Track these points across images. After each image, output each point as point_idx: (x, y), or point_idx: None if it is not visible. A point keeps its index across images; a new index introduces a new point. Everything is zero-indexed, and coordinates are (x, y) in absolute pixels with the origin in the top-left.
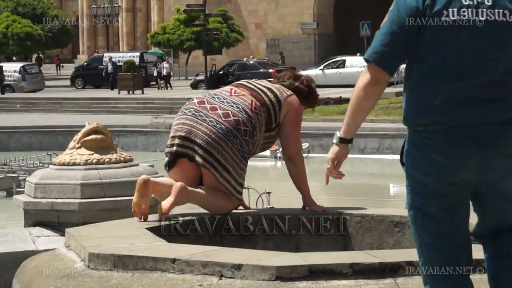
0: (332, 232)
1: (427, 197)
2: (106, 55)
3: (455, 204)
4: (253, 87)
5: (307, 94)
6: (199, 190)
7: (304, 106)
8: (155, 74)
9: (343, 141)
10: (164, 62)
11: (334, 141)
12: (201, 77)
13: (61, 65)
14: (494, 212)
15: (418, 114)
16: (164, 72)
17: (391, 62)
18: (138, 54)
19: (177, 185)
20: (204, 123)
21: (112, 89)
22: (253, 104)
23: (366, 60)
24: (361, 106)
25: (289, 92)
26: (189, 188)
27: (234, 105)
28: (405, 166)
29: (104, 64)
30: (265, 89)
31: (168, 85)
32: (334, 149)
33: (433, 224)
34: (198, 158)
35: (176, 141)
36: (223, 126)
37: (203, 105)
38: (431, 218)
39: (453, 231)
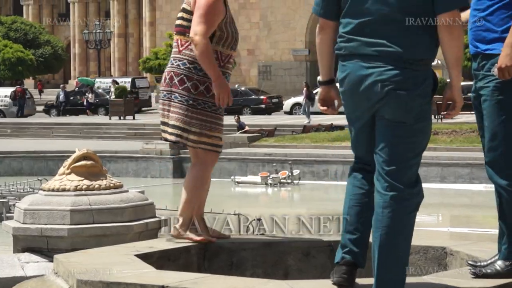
0: (322, 260)
1: None
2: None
3: None
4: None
5: None
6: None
7: None
8: (85, 103)
9: (321, 83)
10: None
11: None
12: None
13: (42, 90)
14: None
15: None
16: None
17: (329, 9)
18: (129, 79)
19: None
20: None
21: (59, 114)
22: (179, 42)
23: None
24: (320, 50)
25: None
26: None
27: (169, 62)
28: None
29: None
30: (180, 13)
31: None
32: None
33: None
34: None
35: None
36: (165, 92)
37: None
38: None
39: None
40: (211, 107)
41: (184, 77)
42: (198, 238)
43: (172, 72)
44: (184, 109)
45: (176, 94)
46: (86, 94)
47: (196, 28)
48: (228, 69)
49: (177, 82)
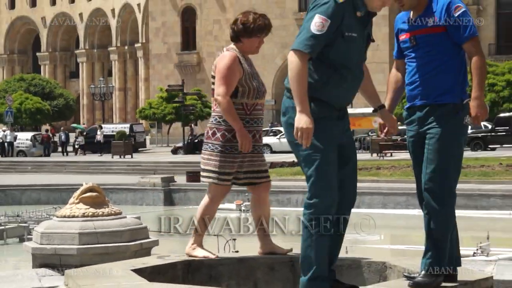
0: (284, 273)
1: None
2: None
3: None
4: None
5: (243, 32)
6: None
7: (255, 41)
8: (76, 145)
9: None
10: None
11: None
12: (180, 144)
13: (54, 134)
14: None
15: None
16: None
17: None
18: (128, 125)
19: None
20: None
21: (63, 154)
22: (213, 102)
23: None
24: None
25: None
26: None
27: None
28: None
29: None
30: (212, 79)
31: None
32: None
33: None
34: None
35: None
36: (204, 143)
37: None
38: None
39: None
40: (238, 149)
41: (216, 130)
42: (201, 255)
43: (208, 127)
44: (214, 155)
45: (209, 144)
46: (76, 138)
47: (218, 90)
48: (257, 115)
49: (210, 135)
